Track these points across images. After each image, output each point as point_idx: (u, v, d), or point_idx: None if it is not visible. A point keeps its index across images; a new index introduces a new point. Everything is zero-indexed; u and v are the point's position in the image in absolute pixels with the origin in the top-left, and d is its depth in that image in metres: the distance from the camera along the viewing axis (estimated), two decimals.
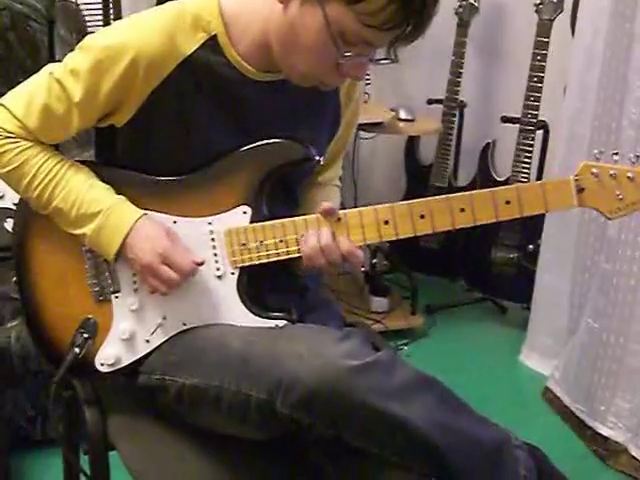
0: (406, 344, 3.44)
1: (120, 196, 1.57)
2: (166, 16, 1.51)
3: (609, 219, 1.54)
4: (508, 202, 1.51)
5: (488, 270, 3.61)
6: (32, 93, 1.54)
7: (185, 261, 1.54)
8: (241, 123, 1.57)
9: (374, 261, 3.73)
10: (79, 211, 1.54)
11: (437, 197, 1.53)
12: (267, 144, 1.56)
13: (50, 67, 1.54)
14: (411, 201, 1.53)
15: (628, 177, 1.49)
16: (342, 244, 1.54)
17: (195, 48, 1.51)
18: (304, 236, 1.56)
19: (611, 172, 1.50)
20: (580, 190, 1.51)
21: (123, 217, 1.54)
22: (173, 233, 1.57)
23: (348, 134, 1.79)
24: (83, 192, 1.55)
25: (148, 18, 1.52)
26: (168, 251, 1.53)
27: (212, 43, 1.52)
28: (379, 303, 3.56)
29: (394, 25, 1.37)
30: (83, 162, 1.60)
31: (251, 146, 1.56)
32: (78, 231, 1.56)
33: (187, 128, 1.55)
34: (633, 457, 2.63)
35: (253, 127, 1.57)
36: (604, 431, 2.74)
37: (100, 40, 1.51)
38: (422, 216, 1.53)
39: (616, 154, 1.52)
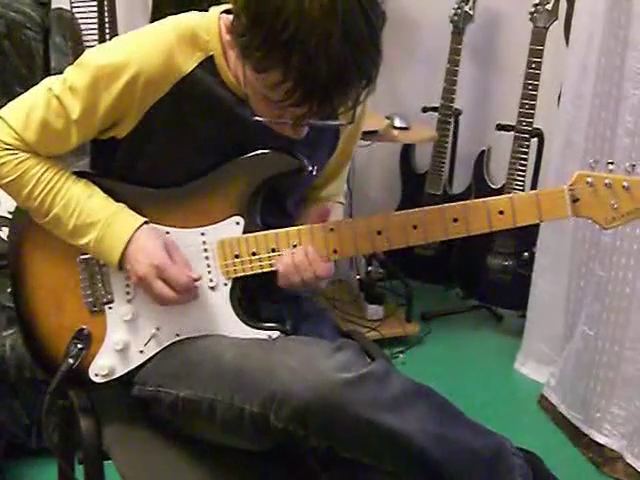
0: (401, 352, 3.44)
1: (120, 204, 1.57)
2: (165, 34, 1.50)
3: (604, 229, 1.53)
4: (501, 212, 1.51)
5: (483, 277, 3.61)
6: (31, 107, 1.53)
7: (181, 275, 1.53)
8: (236, 141, 1.56)
9: (369, 269, 3.73)
10: (78, 220, 1.54)
11: (430, 207, 1.53)
12: (260, 155, 1.55)
13: (49, 82, 1.54)
14: (404, 211, 1.53)
15: (623, 186, 1.48)
16: (314, 262, 1.54)
17: (193, 67, 1.51)
18: (279, 255, 1.56)
19: (606, 181, 1.48)
20: (575, 200, 1.50)
21: (123, 226, 1.54)
22: (172, 244, 1.57)
23: (350, 148, 1.78)
24: (83, 201, 1.55)
25: (147, 36, 1.52)
26: (164, 264, 1.52)
27: (209, 63, 1.52)
28: (374, 311, 3.55)
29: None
30: (79, 173, 1.60)
31: (244, 157, 1.56)
32: (79, 241, 1.56)
33: (183, 144, 1.55)
34: (629, 464, 2.62)
35: (248, 145, 1.56)
36: (600, 438, 2.73)
37: (98, 58, 1.50)
38: (415, 226, 1.53)
39: (611, 163, 1.50)
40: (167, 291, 1.53)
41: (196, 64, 1.51)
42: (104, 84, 1.48)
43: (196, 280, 1.56)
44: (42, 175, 1.55)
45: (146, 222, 1.56)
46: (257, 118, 1.44)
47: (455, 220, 1.52)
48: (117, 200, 1.58)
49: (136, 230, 1.54)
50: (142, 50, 1.48)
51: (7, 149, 1.54)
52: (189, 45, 1.50)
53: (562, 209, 1.51)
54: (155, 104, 1.51)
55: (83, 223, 1.54)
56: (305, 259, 1.54)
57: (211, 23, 1.52)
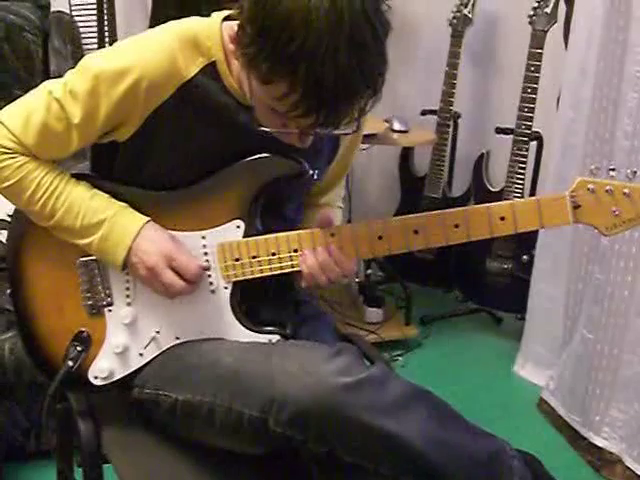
0: (401, 355, 3.44)
1: (123, 203, 1.57)
2: (168, 39, 1.49)
3: (606, 236, 1.53)
4: (503, 218, 1.51)
5: (483, 280, 3.60)
6: (30, 110, 1.52)
7: (191, 263, 1.54)
8: (237, 146, 1.56)
9: (368, 272, 3.73)
10: (84, 221, 1.54)
11: (431, 212, 1.53)
12: (261, 158, 1.55)
13: (49, 85, 1.53)
14: (405, 216, 1.53)
15: (624, 193, 1.48)
16: (340, 261, 1.54)
17: (195, 73, 1.50)
18: (302, 255, 1.56)
19: (607, 188, 1.48)
20: (576, 206, 1.50)
21: (130, 221, 1.55)
22: (177, 239, 1.57)
23: (349, 157, 1.78)
24: (86, 202, 1.55)
25: (149, 40, 1.51)
26: (174, 253, 1.53)
27: (211, 69, 1.51)
28: (373, 314, 3.55)
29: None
30: (79, 175, 1.60)
31: (245, 160, 1.56)
32: (84, 241, 1.56)
33: (184, 148, 1.54)
34: (627, 468, 2.62)
35: (249, 150, 1.56)
36: (599, 442, 2.73)
37: (100, 62, 1.50)
38: (416, 232, 1.53)
39: (612, 170, 1.50)
40: (177, 280, 1.53)
41: (198, 69, 1.51)
42: (105, 89, 1.47)
43: (205, 269, 1.56)
44: (42, 178, 1.54)
45: (149, 220, 1.56)
46: (263, 128, 1.44)
47: (456, 226, 1.52)
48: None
49: (142, 226, 1.54)
50: (145, 55, 1.48)
51: (6, 153, 1.53)
52: (191, 50, 1.50)
53: (563, 216, 1.51)
54: (157, 109, 1.50)
55: (89, 223, 1.54)
56: (330, 258, 1.54)
57: (213, 29, 1.52)
